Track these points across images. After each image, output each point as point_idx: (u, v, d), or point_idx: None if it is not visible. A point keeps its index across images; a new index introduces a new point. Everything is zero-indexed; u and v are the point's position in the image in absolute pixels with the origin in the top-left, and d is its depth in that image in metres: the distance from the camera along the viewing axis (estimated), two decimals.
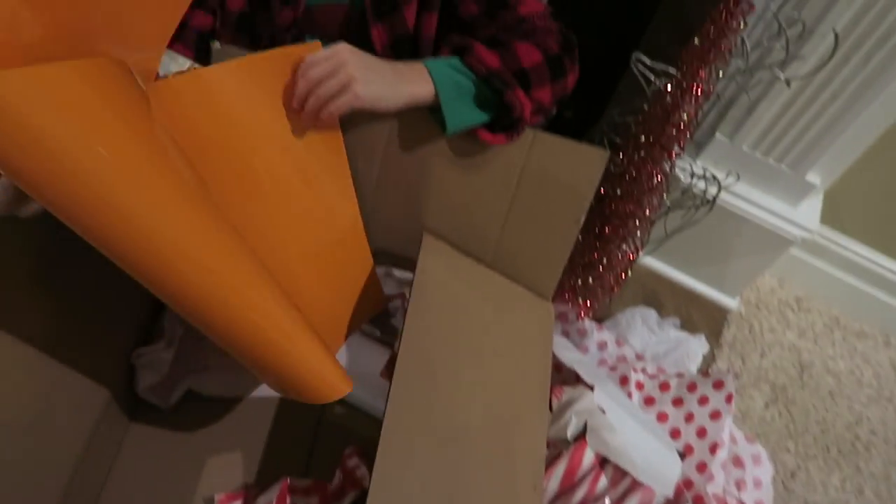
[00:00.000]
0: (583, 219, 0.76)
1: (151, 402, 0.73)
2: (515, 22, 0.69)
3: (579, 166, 0.73)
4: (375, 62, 0.63)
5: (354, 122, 0.70)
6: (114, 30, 0.58)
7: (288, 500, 0.68)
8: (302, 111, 0.63)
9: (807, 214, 1.09)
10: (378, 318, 0.85)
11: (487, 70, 0.63)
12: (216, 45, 0.70)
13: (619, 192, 0.88)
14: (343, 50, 0.62)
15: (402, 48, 0.74)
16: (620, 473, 0.78)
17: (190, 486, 0.73)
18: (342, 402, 0.81)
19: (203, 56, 0.75)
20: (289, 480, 0.69)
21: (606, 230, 0.92)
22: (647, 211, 0.90)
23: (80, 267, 0.69)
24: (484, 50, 0.64)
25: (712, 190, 1.05)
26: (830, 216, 1.19)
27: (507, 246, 0.80)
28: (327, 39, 0.78)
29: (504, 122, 0.67)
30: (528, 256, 0.81)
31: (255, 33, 0.75)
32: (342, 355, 0.82)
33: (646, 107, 0.89)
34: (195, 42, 0.74)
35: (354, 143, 0.72)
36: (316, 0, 0.74)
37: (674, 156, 0.85)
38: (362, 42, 0.77)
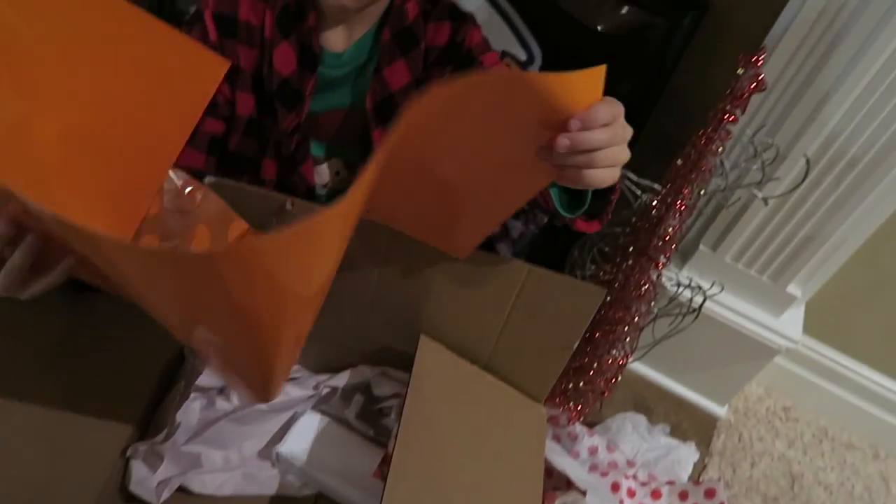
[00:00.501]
0: (575, 345, 0.79)
1: (141, 498, 0.72)
2: None
3: (574, 302, 0.76)
4: None
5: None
6: (132, 132, 0.61)
7: None
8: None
9: (790, 325, 1.13)
10: (371, 418, 0.85)
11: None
12: (208, 179, 0.70)
13: (608, 298, 0.92)
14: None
15: None
16: None
17: None
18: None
19: (214, 159, 0.79)
20: None
21: (597, 335, 0.95)
22: (636, 317, 0.93)
23: (82, 355, 0.70)
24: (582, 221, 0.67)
25: (698, 299, 1.09)
26: (813, 327, 1.22)
27: (501, 357, 0.82)
28: (328, 141, 0.84)
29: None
30: (521, 367, 0.83)
31: (262, 136, 0.80)
32: (335, 456, 0.82)
33: (633, 219, 0.94)
34: (207, 145, 0.78)
35: (358, 235, 0.75)
36: (319, 107, 0.80)
37: (660, 265, 0.89)
38: (363, 143, 0.83)
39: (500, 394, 0.83)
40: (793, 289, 1.10)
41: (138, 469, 0.73)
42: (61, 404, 0.66)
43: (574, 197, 0.63)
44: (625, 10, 1.04)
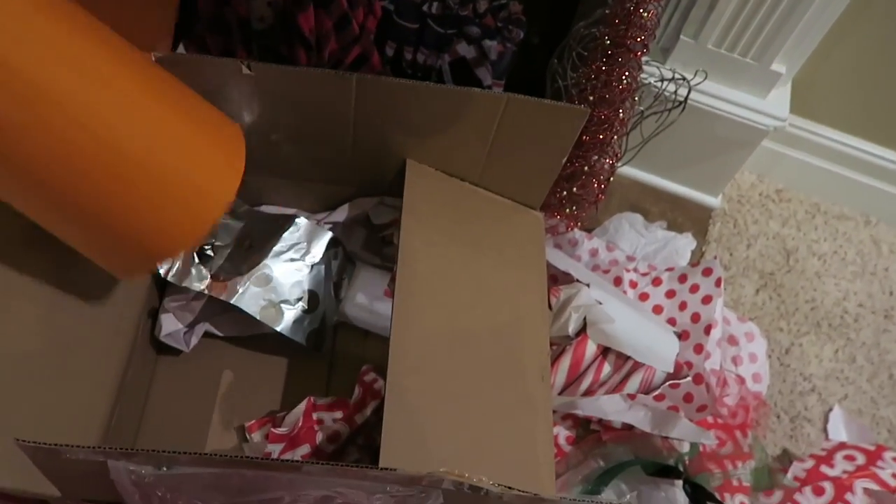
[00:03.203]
0: (562, 163, 0.80)
1: (171, 346, 0.77)
2: None
3: (557, 125, 0.76)
4: None
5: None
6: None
7: (314, 416, 0.72)
8: None
9: (776, 104, 1.13)
10: (375, 247, 0.88)
11: None
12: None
13: (592, 100, 0.91)
14: None
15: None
16: (622, 359, 0.83)
17: (219, 418, 0.78)
18: (354, 329, 0.85)
19: None
20: (312, 399, 0.74)
21: (585, 138, 0.95)
22: (622, 114, 0.93)
23: None
24: None
25: (683, 92, 1.08)
26: (800, 105, 1.22)
27: (490, 180, 0.84)
28: None
29: None
30: (511, 186, 0.85)
31: None
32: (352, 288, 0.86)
33: (607, 11, 0.91)
34: None
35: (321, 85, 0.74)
36: None
37: (639, 55, 0.87)
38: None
39: (493, 205, 0.85)
40: (777, 66, 1.08)
41: (167, 321, 0.77)
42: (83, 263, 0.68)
43: None
44: None
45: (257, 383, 0.81)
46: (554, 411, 0.84)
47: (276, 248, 0.79)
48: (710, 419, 0.87)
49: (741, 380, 0.93)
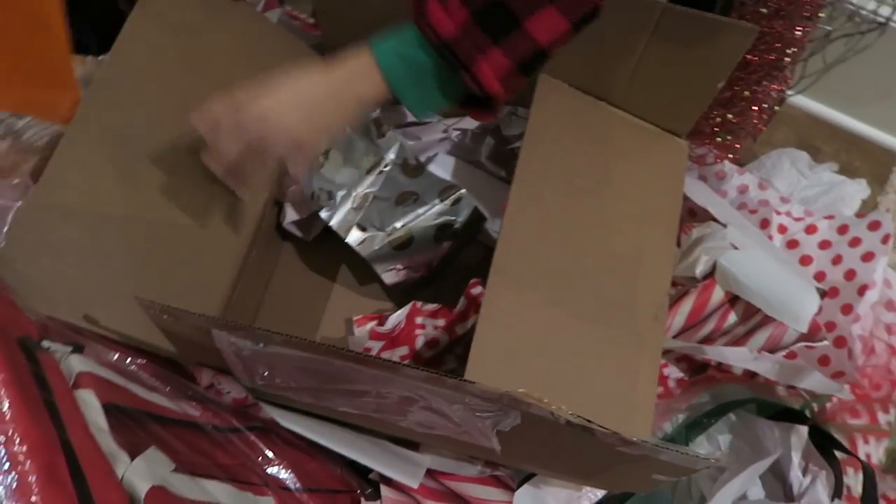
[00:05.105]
0: (719, 87, 0.70)
1: (294, 234, 0.80)
2: None
3: (716, 44, 0.66)
4: (290, 98, 0.53)
5: None
6: None
7: (416, 320, 0.73)
8: None
9: None
10: (503, 159, 0.85)
11: (438, 41, 0.50)
12: None
13: (765, 10, 0.79)
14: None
15: None
16: (752, 309, 0.75)
17: (333, 307, 0.82)
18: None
19: None
20: (417, 303, 0.75)
21: (750, 58, 0.84)
22: (800, 33, 0.81)
23: None
24: (435, 9, 0.50)
25: (885, 11, 0.92)
26: None
27: (633, 100, 0.76)
28: None
29: (477, 101, 0.54)
30: (657, 107, 0.77)
31: None
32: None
33: None
34: None
35: None
36: None
37: None
38: None
39: (631, 128, 0.78)
40: None
41: (290, 211, 0.80)
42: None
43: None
44: None
45: (372, 281, 0.83)
46: (669, 351, 0.80)
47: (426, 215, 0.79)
48: (847, 388, 0.78)
49: (893, 350, 0.82)
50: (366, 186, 0.78)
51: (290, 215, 0.79)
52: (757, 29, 0.64)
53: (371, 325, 0.76)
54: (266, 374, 0.55)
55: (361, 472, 0.66)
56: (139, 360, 0.59)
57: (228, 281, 0.70)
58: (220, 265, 0.70)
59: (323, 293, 0.84)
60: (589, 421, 0.46)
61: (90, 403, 0.45)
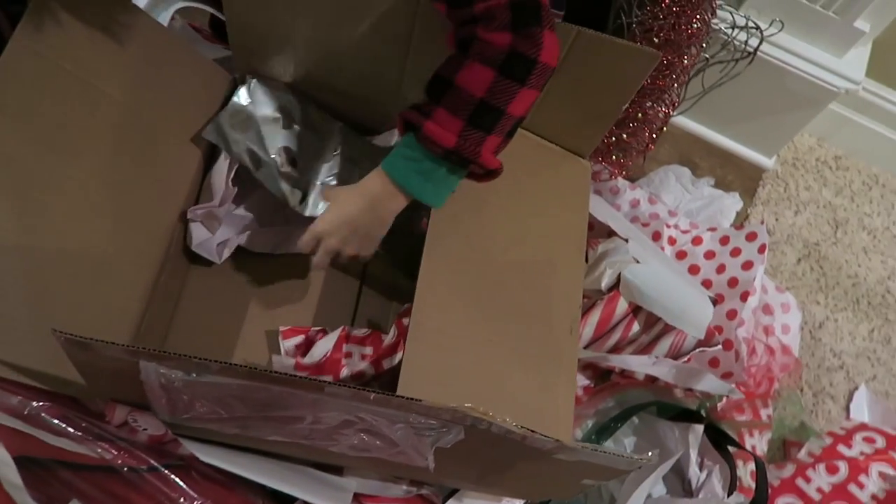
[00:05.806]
0: (623, 109, 0.75)
1: (204, 257, 0.77)
2: (469, 18, 0.59)
3: (624, 67, 0.71)
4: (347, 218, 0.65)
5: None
6: None
7: (344, 348, 0.72)
8: None
9: (853, 65, 1.05)
10: None
11: (443, 151, 0.59)
12: None
13: (656, 41, 0.86)
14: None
15: None
16: (653, 318, 0.81)
17: (248, 330, 0.79)
18: (384, 257, 0.84)
19: None
20: (346, 329, 0.74)
21: (643, 83, 0.90)
22: (686, 61, 0.88)
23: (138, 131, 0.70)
24: (433, 127, 0.59)
25: (754, 42, 1.02)
26: (878, 69, 1.14)
27: (542, 119, 0.79)
28: None
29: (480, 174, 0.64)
30: (563, 128, 0.81)
31: None
32: None
33: None
34: None
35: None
36: None
37: (714, 1, 0.81)
38: None
39: (539, 149, 0.82)
40: (861, 23, 1.00)
41: (198, 231, 0.76)
42: (121, 171, 0.68)
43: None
44: None
45: (288, 300, 0.81)
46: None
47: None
48: (735, 387, 0.86)
49: (771, 350, 0.91)
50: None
51: (198, 235, 0.75)
52: (660, 55, 0.69)
53: (298, 338, 0.75)
54: (193, 405, 0.52)
55: (285, 502, 0.65)
56: (42, 403, 0.54)
57: (138, 309, 0.66)
58: (128, 293, 0.66)
59: (235, 316, 0.81)
60: (532, 431, 0.48)
61: (2, 459, 0.41)
